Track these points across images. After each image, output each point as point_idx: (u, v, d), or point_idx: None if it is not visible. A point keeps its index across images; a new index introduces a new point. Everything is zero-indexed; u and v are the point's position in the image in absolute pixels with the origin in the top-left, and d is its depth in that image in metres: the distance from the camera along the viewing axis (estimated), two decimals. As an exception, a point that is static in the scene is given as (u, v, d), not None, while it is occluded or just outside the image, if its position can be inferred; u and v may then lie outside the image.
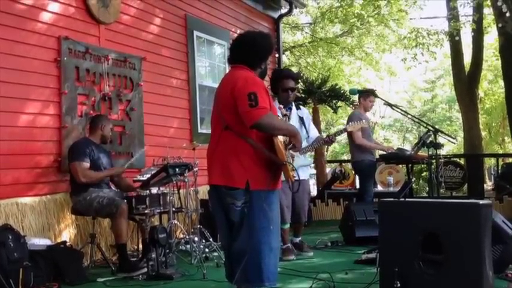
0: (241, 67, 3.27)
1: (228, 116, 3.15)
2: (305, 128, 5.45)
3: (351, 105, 10.08)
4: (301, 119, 5.47)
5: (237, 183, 3.10)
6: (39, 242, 4.64)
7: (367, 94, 6.72)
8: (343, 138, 26.55)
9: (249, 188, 3.10)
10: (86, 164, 5.03)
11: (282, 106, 4.40)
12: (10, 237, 4.09)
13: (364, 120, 5.92)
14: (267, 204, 3.15)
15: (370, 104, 6.78)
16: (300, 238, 5.71)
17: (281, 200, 4.98)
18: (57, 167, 5.38)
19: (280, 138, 3.23)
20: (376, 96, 6.58)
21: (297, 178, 3.26)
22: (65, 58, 5.52)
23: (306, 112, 5.70)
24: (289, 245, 5.45)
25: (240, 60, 3.30)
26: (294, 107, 5.50)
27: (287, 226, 5.43)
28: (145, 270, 4.69)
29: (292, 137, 3.28)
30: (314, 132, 5.62)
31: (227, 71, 8.74)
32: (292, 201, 5.34)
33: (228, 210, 3.19)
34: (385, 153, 6.92)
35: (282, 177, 3.32)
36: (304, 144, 5.24)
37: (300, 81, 6.17)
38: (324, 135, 5.87)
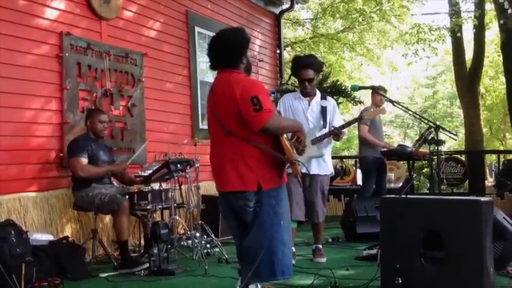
0: (228, 71, 3.25)
1: (229, 122, 3.15)
2: (324, 119, 5.06)
3: (352, 102, 10.08)
4: (323, 109, 5.11)
5: (249, 187, 3.13)
6: (41, 237, 4.65)
7: (375, 90, 6.70)
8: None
9: (262, 189, 3.12)
10: (84, 159, 5.03)
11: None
12: (12, 232, 4.09)
13: (381, 108, 5.75)
14: (276, 201, 3.19)
15: (379, 98, 6.74)
16: (316, 245, 5.24)
17: (292, 195, 4.91)
18: (59, 163, 5.39)
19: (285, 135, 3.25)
20: (377, 92, 6.59)
21: (305, 171, 3.27)
22: (67, 54, 5.52)
23: (331, 103, 5.23)
24: (292, 248, 5.00)
25: (221, 64, 3.29)
26: (317, 96, 5.16)
27: (293, 226, 5.01)
28: (146, 265, 4.71)
29: (298, 132, 3.31)
30: (338, 124, 5.12)
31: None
32: (305, 198, 5.05)
33: (241, 212, 3.23)
34: (385, 149, 6.93)
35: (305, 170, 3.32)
36: (319, 134, 4.98)
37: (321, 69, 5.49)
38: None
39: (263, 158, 3.14)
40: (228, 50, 3.24)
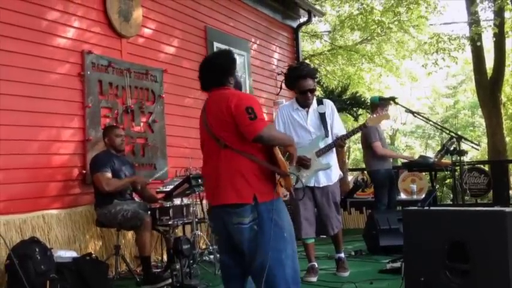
0: (221, 88, 3.33)
1: (226, 134, 3.18)
2: (324, 126, 4.90)
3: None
4: (321, 116, 4.94)
5: (245, 199, 3.13)
6: (65, 254, 4.68)
7: (382, 104, 6.67)
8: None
9: (257, 201, 3.13)
10: (108, 173, 5.08)
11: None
12: (37, 249, 4.15)
13: (385, 113, 5.65)
14: (276, 212, 3.19)
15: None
16: (339, 255, 5.12)
17: (299, 212, 4.88)
18: (82, 180, 5.46)
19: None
20: (397, 103, 6.55)
21: (299, 186, 3.28)
22: (88, 72, 5.61)
23: (329, 106, 5.03)
24: (314, 263, 4.96)
25: (211, 83, 3.38)
26: (313, 104, 4.98)
27: (310, 241, 5.00)
28: (169, 281, 4.72)
29: (289, 146, 3.35)
30: (339, 129, 4.99)
31: (247, 81, 8.71)
32: (318, 212, 5.01)
33: (233, 231, 3.20)
34: (407, 160, 6.87)
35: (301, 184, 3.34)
36: (323, 144, 4.87)
37: (318, 81, 5.35)
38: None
39: (260, 172, 3.17)
40: (216, 70, 3.36)
